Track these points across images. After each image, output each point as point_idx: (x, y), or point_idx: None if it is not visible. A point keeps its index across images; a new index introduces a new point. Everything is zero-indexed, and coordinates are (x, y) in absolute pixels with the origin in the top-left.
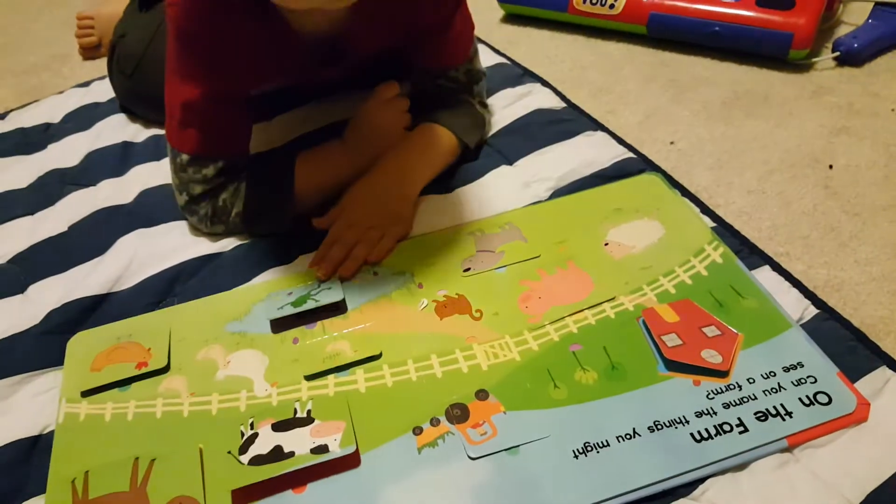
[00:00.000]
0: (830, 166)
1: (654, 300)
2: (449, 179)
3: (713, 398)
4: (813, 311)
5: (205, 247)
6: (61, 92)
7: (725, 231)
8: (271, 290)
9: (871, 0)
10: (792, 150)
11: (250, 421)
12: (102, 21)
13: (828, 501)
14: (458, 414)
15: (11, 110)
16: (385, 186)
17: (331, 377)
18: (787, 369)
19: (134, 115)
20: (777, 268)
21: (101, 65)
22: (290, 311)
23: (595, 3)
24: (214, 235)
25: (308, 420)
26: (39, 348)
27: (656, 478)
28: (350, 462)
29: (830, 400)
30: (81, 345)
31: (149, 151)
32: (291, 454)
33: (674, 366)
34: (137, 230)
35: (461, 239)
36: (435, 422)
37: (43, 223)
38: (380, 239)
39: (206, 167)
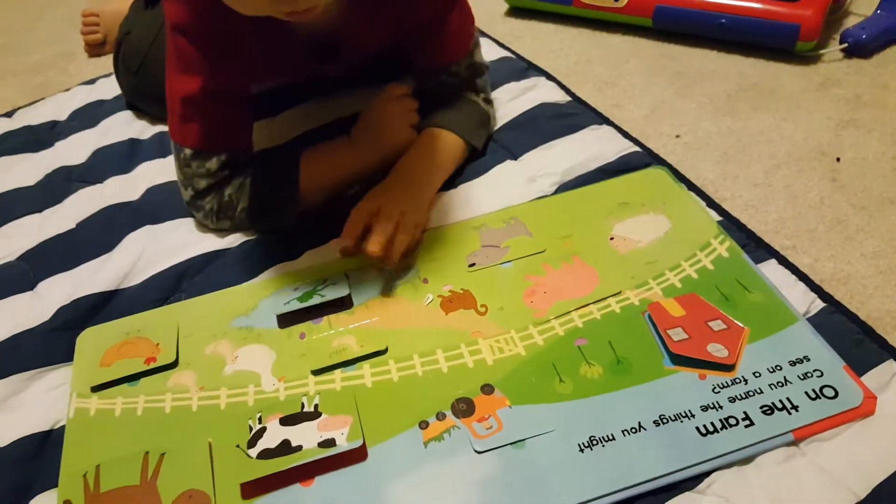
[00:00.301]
0: (838, 159)
1: (660, 294)
2: (454, 175)
3: (719, 392)
4: (819, 304)
5: (211, 243)
6: (67, 90)
7: (731, 225)
8: (277, 285)
9: None
10: (799, 143)
11: (258, 415)
12: (107, 18)
13: (834, 495)
14: (464, 408)
15: (18, 108)
16: (406, 191)
17: (337, 372)
18: (793, 363)
19: (140, 112)
20: (783, 261)
21: (106, 62)
22: (296, 305)
23: None
24: (221, 231)
25: (315, 414)
26: (49, 345)
27: (662, 471)
28: (357, 456)
29: (837, 393)
30: (91, 340)
31: (155, 148)
32: (299, 448)
33: (679, 360)
34: (145, 227)
35: (466, 234)
36: (441, 416)
37: (51, 220)
38: (413, 224)
39: (209, 161)
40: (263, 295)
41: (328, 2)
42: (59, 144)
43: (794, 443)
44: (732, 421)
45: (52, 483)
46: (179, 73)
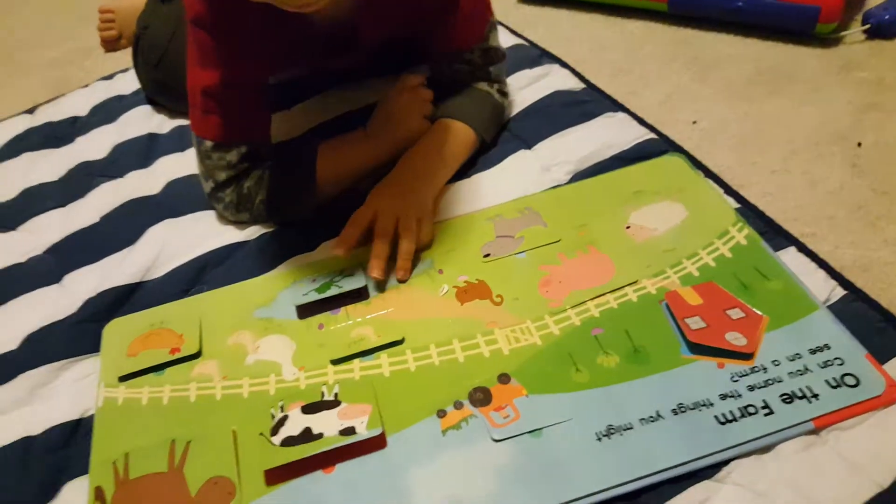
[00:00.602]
0: (859, 144)
1: (678, 283)
2: (467, 165)
3: (738, 381)
4: (840, 292)
5: (231, 235)
6: (86, 85)
7: (749, 212)
8: (296, 276)
9: None
10: (818, 128)
11: (280, 404)
12: (123, 14)
13: (856, 484)
14: (481, 397)
15: (39, 105)
16: (406, 185)
17: (356, 361)
18: (813, 351)
19: (158, 106)
20: (803, 248)
21: (123, 57)
22: (314, 297)
23: None
24: (240, 224)
25: (335, 403)
26: (77, 336)
27: (680, 460)
28: (376, 444)
29: (858, 382)
30: (117, 331)
31: (174, 142)
32: (320, 436)
33: (697, 349)
34: (166, 220)
35: (480, 224)
36: (458, 405)
37: (75, 215)
38: (418, 225)
39: (229, 153)
40: (282, 286)
41: None
42: (79, 140)
43: (815, 431)
44: (752, 409)
45: (82, 470)
46: (200, 67)
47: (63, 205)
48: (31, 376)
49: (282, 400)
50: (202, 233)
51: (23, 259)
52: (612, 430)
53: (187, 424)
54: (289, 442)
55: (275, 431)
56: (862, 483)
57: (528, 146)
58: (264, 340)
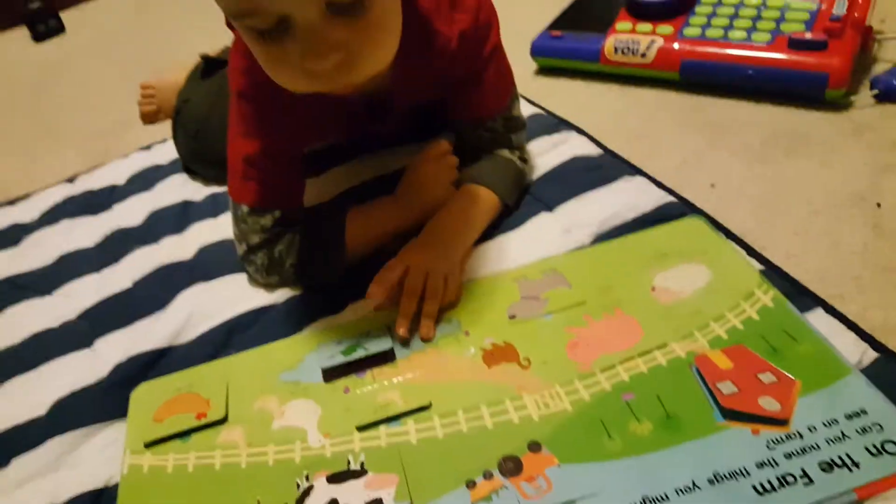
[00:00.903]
0: (878, 204)
1: (706, 346)
2: (490, 228)
3: (774, 448)
4: (872, 354)
5: (260, 299)
6: (125, 155)
7: (773, 273)
8: (322, 339)
9: None
10: (836, 190)
11: (305, 473)
12: (163, 90)
13: None
14: (512, 467)
15: (80, 174)
16: (435, 245)
17: (382, 428)
18: (849, 416)
19: (194, 175)
20: (830, 310)
21: (160, 129)
22: (340, 359)
23: (626, 53)
24: (269, 287)
25: (362, 472)
26: (105, 401)
27: None
28: None
29: None
30: (145, 396)
31: (207, 209)
32: None
33: (731, 414)
34: (197, 284)
35: (505, 285)
36: (488, 475)
37: (109, 280)
38: (445, 283)
39: (263, 218)
40: (309, 349)
41: (368, 76)
42: (117, 207)
43: (858, 502)
44: (790, 479)
45: None
46: (241, 136)
47: (98, 270)
48: (58, 442)
49: (307, 469)
50: (232, 296)
51: (56, 324)
52: (648, 502)
53: (212, 494)
54: None
55: (300, 502)
56: None
57: (550, 209)
58: (290, 405)
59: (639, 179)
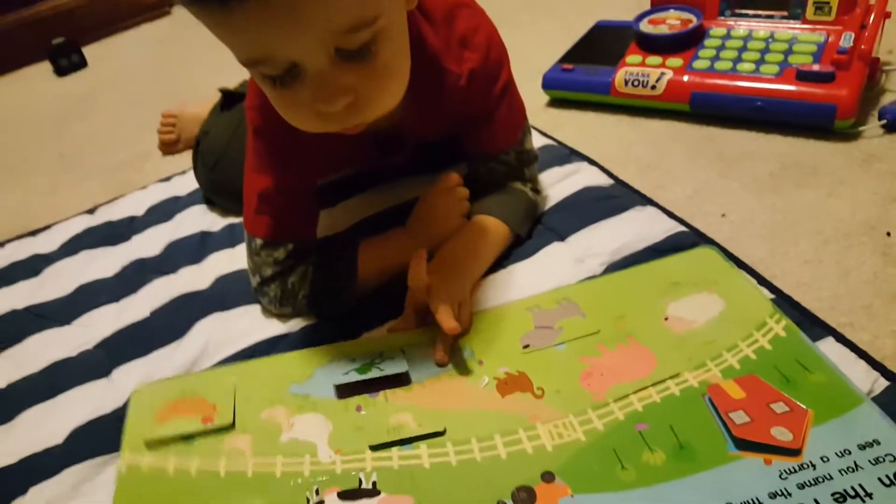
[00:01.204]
0: (888, 233)
1: (719, 376)
2: (502, 258)
3: (786, 478)
4: (883, 383)
5: (274, 328)
6: (144, 187)
7: (784, 302)
8: (334, 355)
9: None
10: (846, 219)
11: (315, 488)
12: (184, 120)
13: None
14: (525, 497)
15: (100, 205)
16: (447, 272)
17: (395, 450)
18: (862, 447)
19: (212, 206)
20: (841, 339)
21: (179, 161)
22: (355, 377)
23: (637, 85)
24: (283, 317)
25: (374, 492)
26: (120, 430)
27: None
28: None
29: None
30: (146, 396)
31: (224, 239)
32: None
33: (743, 444)
34: (213, 314)
35: (519, 315)
36: None
37: (126, 310)
38: (458, 310)
39: (276, 250)
40: (319, 363)
41: (378, 116)
42: (135, 238)
43: None
44: None
45: None
46: (256, 172)
47: (116, 300)
48: (75, 471)
49: (316, 483)
50: (248, 326)
51: (74, 353)
52: None
53: (217, 501)
54: None
55: None
56: None
57: (562, 238)
58: (300, 418)
59: (650, 209)
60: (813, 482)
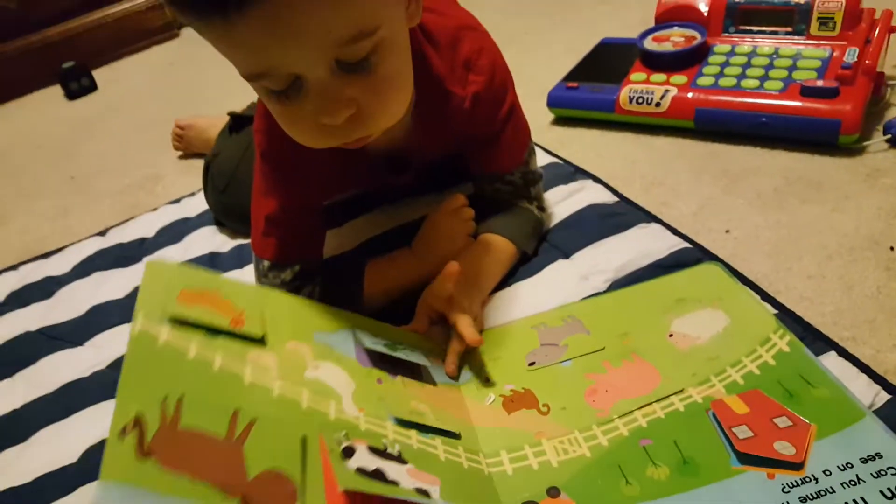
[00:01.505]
0: (892, 248)
1: (723, 391)
2: (507, 275)
3: (789, 492)
4: (885, 396)
5: None
6: (155, 209)
7: (788, 317)
8: (365, 323)
9: None
10: (850, 234)
11: (343, 433)
12: (195, 131)
13: None
14: None
15: (111, 227)
16: (458, 295)
17: (413, 432)
18: (864, 460)
19: (222, 227)
20: (844, 353)
21: (189, 183)
22: (382, 349)
23: (641, 103)
24: None
25: (402, 460)
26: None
27: None
28: None
29: None
30: (164, 274)
31: (233, 260)
32: (395, 483)
33: (746, 458)
34: None
35: (524, 332)
36: None
37: None
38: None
39: (283, 272)
40: (348, 324)
41: (381, 130)
42: (146, 259)
43: None
44: None
45: None
46: (263, 195)
47: (127, 321)
48: (89, 489)
49: (345, 430)
50: None
51: (87, 374)
52: None
53: (250, 403)
54: (362, 473)
55: (346, 456)
56: None
57: (567, 256)
58: (324, 364)
59: (654, 226)
60: (815, 495)
